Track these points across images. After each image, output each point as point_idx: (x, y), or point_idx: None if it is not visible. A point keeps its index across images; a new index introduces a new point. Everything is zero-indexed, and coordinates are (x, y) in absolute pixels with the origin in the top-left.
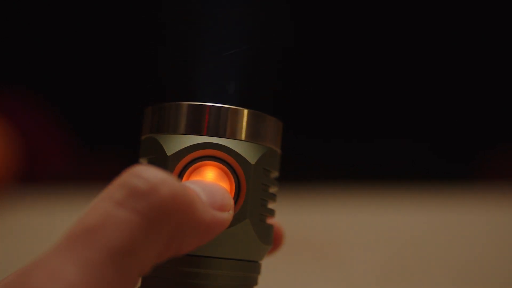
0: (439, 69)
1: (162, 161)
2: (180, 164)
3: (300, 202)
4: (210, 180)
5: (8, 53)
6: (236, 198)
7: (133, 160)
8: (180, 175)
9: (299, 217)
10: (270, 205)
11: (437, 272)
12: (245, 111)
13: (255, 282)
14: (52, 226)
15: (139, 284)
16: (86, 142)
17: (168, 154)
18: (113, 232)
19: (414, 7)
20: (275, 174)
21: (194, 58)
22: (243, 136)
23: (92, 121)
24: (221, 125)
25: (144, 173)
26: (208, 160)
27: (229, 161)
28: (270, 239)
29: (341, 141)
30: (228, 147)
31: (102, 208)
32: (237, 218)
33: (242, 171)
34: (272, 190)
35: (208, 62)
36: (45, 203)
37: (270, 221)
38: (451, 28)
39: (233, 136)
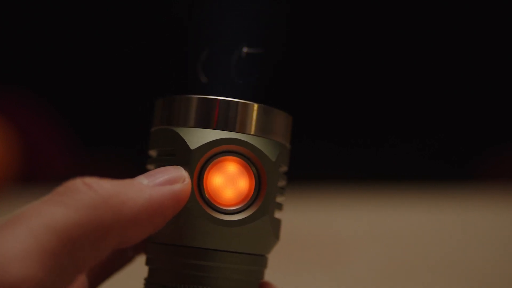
0: (439, 70)
1: (184, 154)
2: (203, 158)
3: (300, 201)
4: (230, 174)
5: (8, 53)
6: (257, 193)
7: (132, 161)
8: (203, 169)
9: (299, 217)
10: (279, 199)
11: (438, 272)
12: (267, 109)
13: (263, 275)
14: None
15: (84, 282)
16: (85, 142)
17: (192, 147)
18: (37, 214)
19: (411, 8)
20: (284, 169)
21: (195, 55)
22: (263, 133)
23: (91, 122)
24: (243, 121)
25: (67, 183)
26: (230, 155)
27: (250, 157)
28: (279, 233)
29: (341, 141)
30: (251, 144)
31: (29, 206)
32: (258, 214)
33: (264, 168)
34: (281, 184)
35: (211, 58)
36: None
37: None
38: (450, 27)
39: (255, 132)
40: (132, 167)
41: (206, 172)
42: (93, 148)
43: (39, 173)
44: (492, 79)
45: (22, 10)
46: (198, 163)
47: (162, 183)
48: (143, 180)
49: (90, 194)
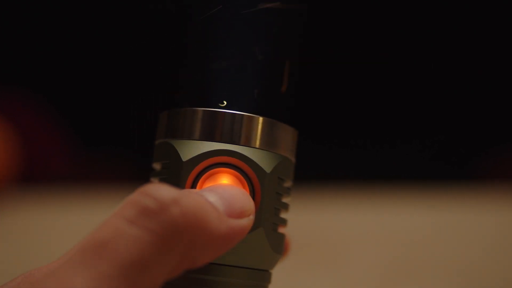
0: (438, 71)
1: (177, 166)
2: (195, 170)
3: (301, 202)
4: (228, 184)
5: (8, 53)
6: None
7: (131, 161)
8: (195, 181)
9: (300, 217)
10: (283, 215)
11: (439, 272)
12: (260, 119)
13: None
14: (52, 227)
15: None
16: (85, 142)
17: (184, 159)
18: (124, 247)
19: (410, 8)
20: (289, 183)
21: (197, 61)
22: (258, 144)
23: (91, 122)
24: (236, 132)
25: (155, 193)
26: (223, 167)
27: (244, 169)
28: (282, 248)
29: (341, 141)
30: (244, 155)
31: (113, 224)
32: (253, 226)
33: (257, 179)
34: (285, 199)
35: (216, 66)
36: (44, 203)
37: (281, 230)
38: (450, 28)
39: (248, 143)
40: (132, 167)
41: (199, 184)
42: (93, 148)
43: (39, 173)
44: (492, 80)
45: (22, 10)
46: (190, 174)
47: (237, 214)
48: (218, 204)
49: (178, 219)
